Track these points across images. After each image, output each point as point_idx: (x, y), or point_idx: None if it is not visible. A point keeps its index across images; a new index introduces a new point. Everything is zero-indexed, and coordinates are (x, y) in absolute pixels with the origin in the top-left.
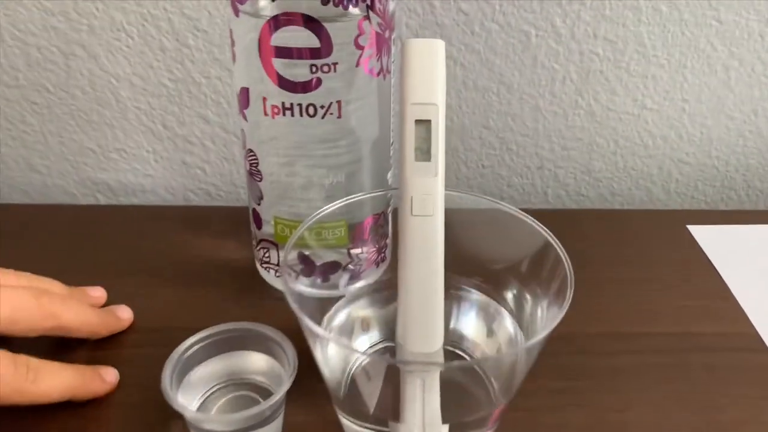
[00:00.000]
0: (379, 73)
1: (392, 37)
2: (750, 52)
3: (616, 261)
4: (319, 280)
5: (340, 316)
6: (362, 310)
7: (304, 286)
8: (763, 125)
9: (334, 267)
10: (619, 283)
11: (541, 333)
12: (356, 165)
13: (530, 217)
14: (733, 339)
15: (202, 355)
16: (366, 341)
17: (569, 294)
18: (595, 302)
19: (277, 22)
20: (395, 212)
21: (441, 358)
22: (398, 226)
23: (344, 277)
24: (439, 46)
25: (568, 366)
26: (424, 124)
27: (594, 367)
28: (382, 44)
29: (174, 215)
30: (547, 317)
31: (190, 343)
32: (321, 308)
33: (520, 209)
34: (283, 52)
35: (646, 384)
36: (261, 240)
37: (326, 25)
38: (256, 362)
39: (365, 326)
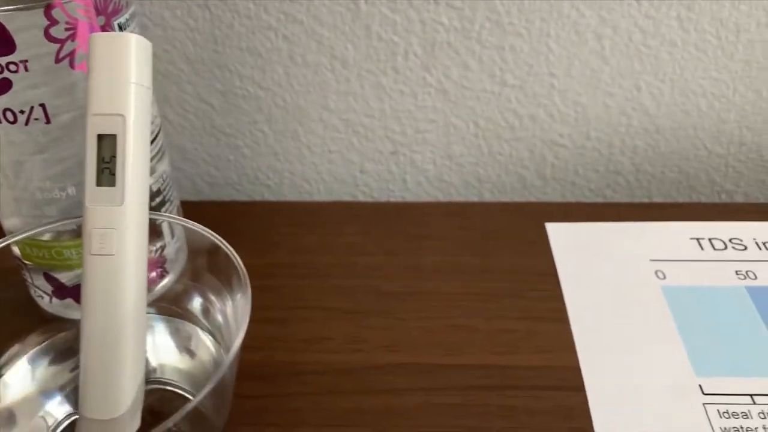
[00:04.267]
0: None
1: (116, 21)
2: (624, 18)
3: (447, 268)
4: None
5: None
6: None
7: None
8: (648, 102)
9: None
10: (427, 298)
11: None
12: None
13: (192, 222)
14: (545, 374)
15: None
16: (61, 408)
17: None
18: (393, 324)
19: None
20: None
21: (122, 428)
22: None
23: None
24: (127, 41)
25: (344, 410)
26: (108, 139)
27: (372, 407)
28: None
29: None
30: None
31: None
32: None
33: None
34: None
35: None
36: (15, 257)
37: None
38: None
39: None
